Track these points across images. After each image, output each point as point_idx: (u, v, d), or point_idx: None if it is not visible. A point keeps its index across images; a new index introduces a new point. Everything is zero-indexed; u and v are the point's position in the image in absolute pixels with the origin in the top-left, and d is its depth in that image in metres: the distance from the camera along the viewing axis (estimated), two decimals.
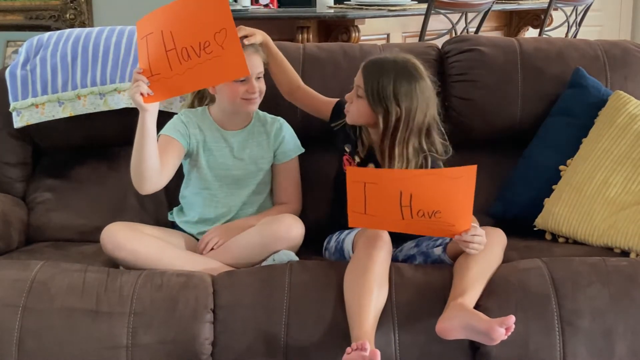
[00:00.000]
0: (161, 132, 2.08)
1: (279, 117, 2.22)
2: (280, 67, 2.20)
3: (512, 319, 1.63)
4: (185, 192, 2.22)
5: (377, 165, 2.03)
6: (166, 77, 1.86)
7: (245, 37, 2.06)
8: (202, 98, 2.23)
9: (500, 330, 1.63)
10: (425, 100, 1.96)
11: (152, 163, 1.92)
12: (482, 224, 2.28)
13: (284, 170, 2.20)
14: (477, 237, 1.79)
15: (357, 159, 2.07)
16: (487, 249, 1.83)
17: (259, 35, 2.11)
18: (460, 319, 1.68)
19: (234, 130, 2.17)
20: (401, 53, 2.03)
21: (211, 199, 2.16)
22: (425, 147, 2.00)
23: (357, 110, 2.00)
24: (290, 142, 2.20)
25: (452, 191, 1.73)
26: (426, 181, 1.73)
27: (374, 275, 1.77)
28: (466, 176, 1.70)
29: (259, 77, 2.10)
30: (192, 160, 2.16)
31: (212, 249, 2.05)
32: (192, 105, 2.23)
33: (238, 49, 1.83)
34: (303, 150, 2.22)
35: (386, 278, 1.80)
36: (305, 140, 2.23)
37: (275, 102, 2.25)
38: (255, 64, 2.08)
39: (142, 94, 1.84)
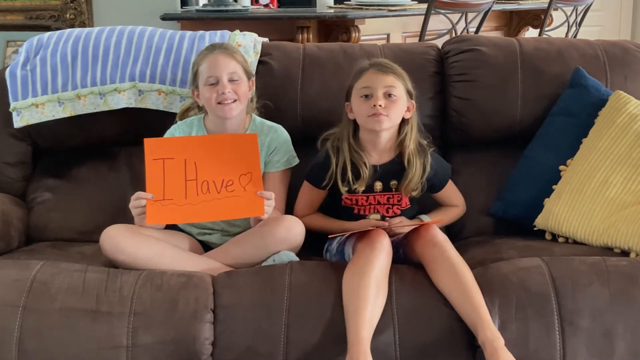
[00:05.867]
0: None
1: (277, 126, 2.16)
2: None
3: None
4: None
5: (400, 181, 2.05)
6: (178, 204, 1.94)
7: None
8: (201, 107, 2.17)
9: None
10: None
11: None
12: (482, 224, 2.30)
13: (269, 179, 2.11)
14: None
15: (359, 190, 2.04)
16: (453, 266, 1.82)
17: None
18: None
19: None
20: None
21: None
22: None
23: (399, 112, 2.02)
24: (281, 152, 2.13)
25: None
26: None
27: (372, 280, 1.76)
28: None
29: (233, 80, 2.05)
30: None
31: None
32: (188, 112, 2.21)
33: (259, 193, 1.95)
34: (295, 162, 2.16)
35: (385, 283, 1.80)
36: (306, 142, 2.21)
37: (274, 101, 2.25)
38: (224, 65, 2.05)
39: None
